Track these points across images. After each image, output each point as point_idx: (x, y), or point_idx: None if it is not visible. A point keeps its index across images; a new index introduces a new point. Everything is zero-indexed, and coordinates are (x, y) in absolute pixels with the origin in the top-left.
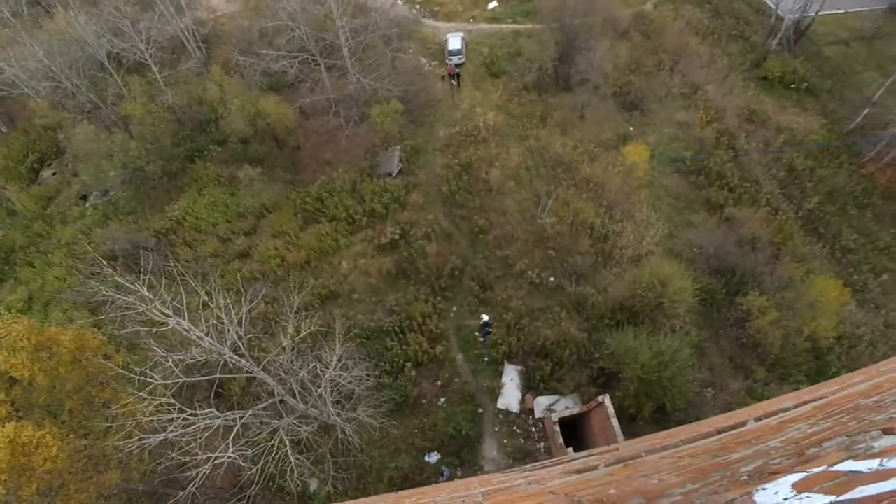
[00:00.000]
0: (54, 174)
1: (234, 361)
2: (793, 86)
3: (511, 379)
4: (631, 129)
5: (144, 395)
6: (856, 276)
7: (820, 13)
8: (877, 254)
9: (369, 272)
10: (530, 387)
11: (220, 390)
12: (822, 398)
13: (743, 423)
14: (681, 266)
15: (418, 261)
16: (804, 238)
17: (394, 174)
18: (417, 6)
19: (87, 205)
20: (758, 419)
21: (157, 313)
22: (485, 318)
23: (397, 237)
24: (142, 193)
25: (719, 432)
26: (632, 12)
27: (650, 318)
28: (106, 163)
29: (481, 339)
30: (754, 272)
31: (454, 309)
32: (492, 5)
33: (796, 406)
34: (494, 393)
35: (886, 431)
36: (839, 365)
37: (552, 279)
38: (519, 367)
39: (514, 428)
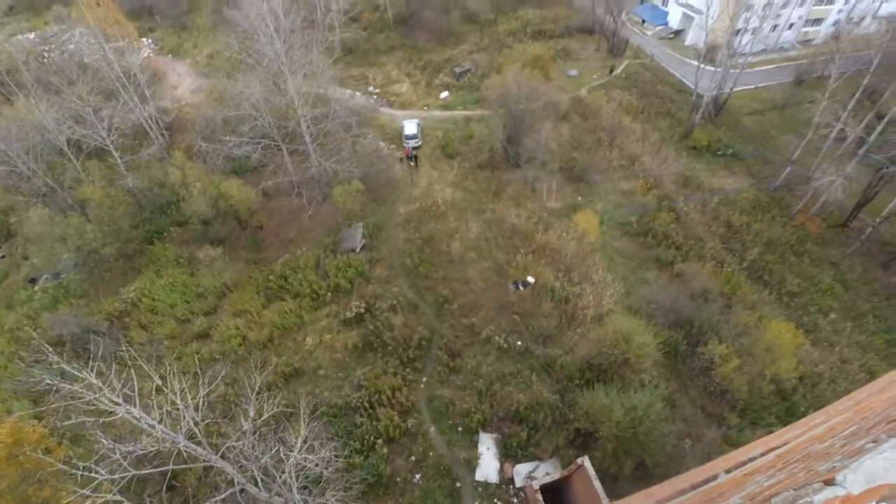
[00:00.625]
0: (3, 257)
1: (189, 450)
2: (719, 152)
3: (487, 448)
4: (579, 198)
5: (88, 493)
6: (805, 318)
7: (734, 90)
8: (821, 295)
9: (335, 347)
10: (508, 454)
11: (175, 482)
12: (785, 444)
13: (715, 477)
14: (641, 322)
15: (385, 333)
16: (752, 286)
17: (357, 250)
18: (375, 96)
19: (36, 288)
20: (728, 471)
21: (106, 401)
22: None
23: (363, 311)
24: (95, 276)
25: (693, 487)
26: (569, 97)
27: (619, 375)
28: (59, 245)
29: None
30: (711, 322)
31: (424, 380)
32: (443, 95)
33: (763, 454)
34: (472, 464)
35: (827, 483)
36: (806, 404)
37: (519, 343)
38: (495, 435)
39: (496, 500)
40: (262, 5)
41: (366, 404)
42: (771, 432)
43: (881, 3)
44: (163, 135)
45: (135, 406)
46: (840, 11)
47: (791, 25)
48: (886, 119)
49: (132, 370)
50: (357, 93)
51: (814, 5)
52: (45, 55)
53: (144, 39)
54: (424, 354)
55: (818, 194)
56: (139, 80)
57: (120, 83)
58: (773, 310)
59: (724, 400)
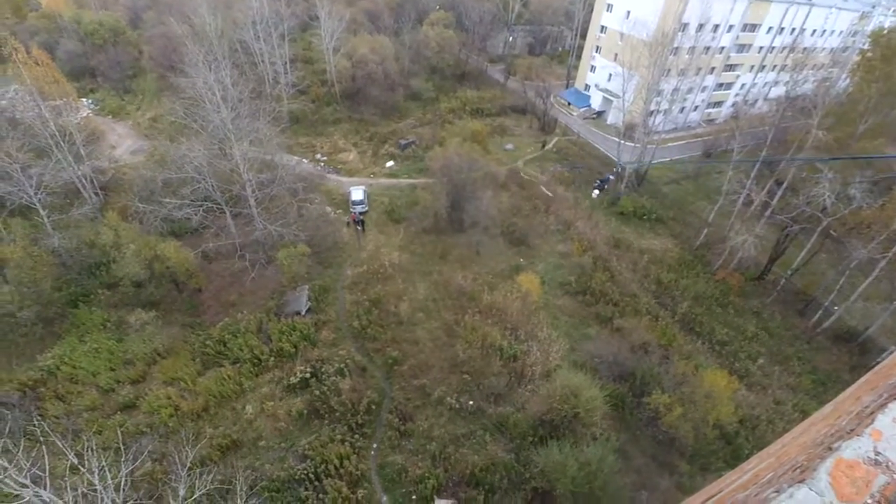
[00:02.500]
0: None
1: None
2: (644, 217)
3: None
4: (521, 260)
5: None
6: (737, 364)
7: (652, 162)
8: (748, 342)
9: (277, 415)
10: None
11: None
12: (720, 492)
13: None
14: (587, 376)
15: (332, 398)
16: (685, 338)
17: (302, 313)
18: (322, 164)
19: None
20: None
21: (11, 483)
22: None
23: (308, 375)
24: (9, 341)
25: None
26: (507, 169)
27: (570, 430)
28: None
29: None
30: (652, 373)
31: (374, 446)
32: (389, 164)
33: (704, 502)
34: None
35: None
36: (749, 446)
37: (471, 403)
38: (451, 502)
39: None
40: (209, 75)
41: (311, 476)
42: (720, 476)
43: (770, 87)
44: (97, 194)
45: (45, 488)
46: (737, 95)
47: (696, 107)
48: (784, 185)
49: (44, 447)
50: (304, 160)
51: (714, 90)
52: None
53: (84, 100)
54: (374, 419)
55: (734, 252)
56: (75, 139)
57: (54, 141)
58: (707, 358)
59: (674, 448)
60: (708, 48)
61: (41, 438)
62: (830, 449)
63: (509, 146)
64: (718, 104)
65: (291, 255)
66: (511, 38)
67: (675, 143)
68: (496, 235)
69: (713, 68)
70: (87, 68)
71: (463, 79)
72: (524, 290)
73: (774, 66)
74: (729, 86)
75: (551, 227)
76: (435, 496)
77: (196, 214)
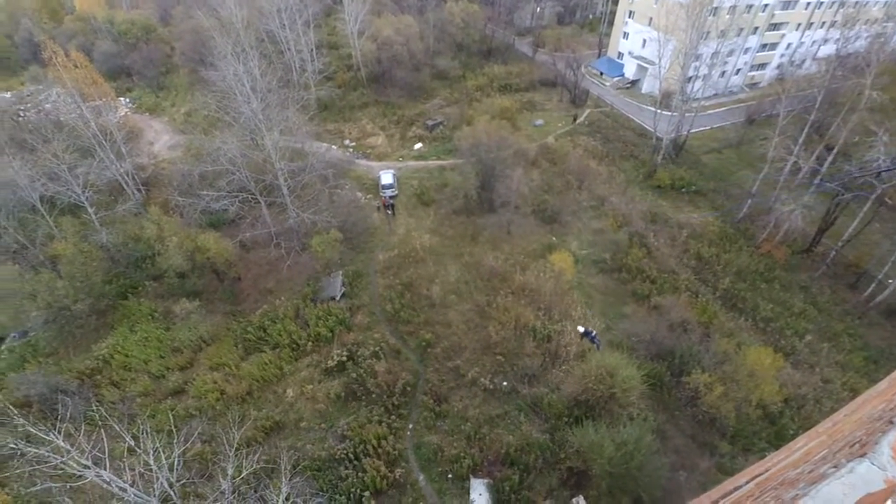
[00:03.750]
0: None
1: None
2: (682, 190)
3: (480, 494)
4: (553, 239)
5: None
6: (782, 342)
7: (691, 131)
8: (795, 318)
9: (317, 397)
10: (501, 500)
11: None
12: (766, 471)
13: None
14: (624, 356)
15: (368, 380)
16: (727, 315)
17: (337, 298)
18: (351, 149)
19: (2, 347)
20: (715, 503)
21: (74, 465)
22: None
23: (344, 359)
24: (66, 333)
25: None
26: (537, 145)
27: (606, 410)
28: (28, 302)
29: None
30: (692, 352)
31: (410, 426)
32: (417, 146)
33: (748, 482)
34: None
35: None
36: (794, 426)
37: (505, 384)
38: (486, 481)
39: None
40: (238, 66)
41: (350, 455)
42: (763, 457)
43: (819, 46)
44: (139, 190)
45: (105, 469)
46: (782, 56)
47: (738, 71)
48: (835, 150)
49: (103, 431)
50: (333, 146)
51: (758, 52)
52: (21, 114)
53: (122, 98)
54: (409, 400)
55: (780, 223)
56: (116, 137)
57: (96, 141)
58: (750, 336)
59: (714, 428)
60: (750, 6)
61: (100, 423)
62: (892, 423)
63: (539, 122)
64: (762, 66)
65: (324, 241)
66: (538, 9)
67: (715, 110)
68: (527, 214)
69: (756, 28)
70: (122, 67)
71: (490, 54)
72: (557, 269)
73: (823, 23)
74: (774, 46)
75: (584, 204)
76: (470, 475)
77: (232, 205)
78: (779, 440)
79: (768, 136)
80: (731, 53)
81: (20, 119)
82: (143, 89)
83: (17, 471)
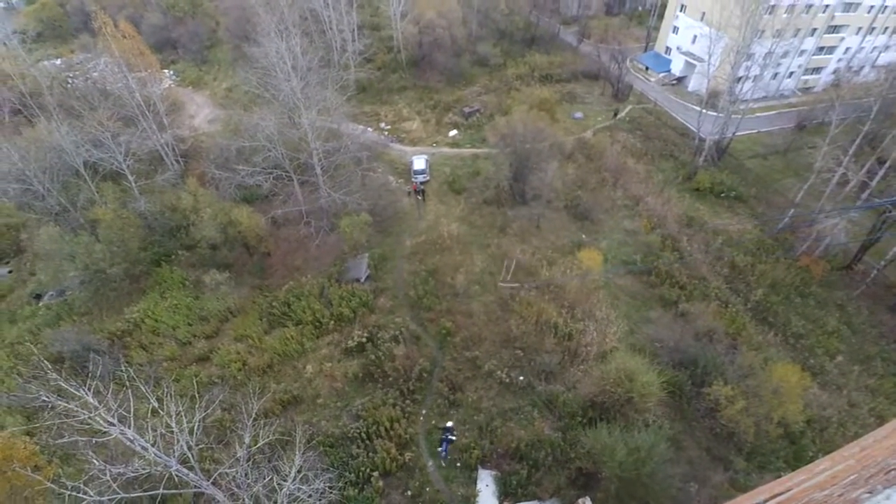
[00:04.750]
0: (10, 272)
1: (181, 475)
2: (722, 195)
3: (486, 485)
4: (583, 236)
5: None
6: (812, 360)
7: (736, 134)
8: (827, 337)
9: (335, 376)
10: (507, 493)
11: None
12: (788, 490)
13: None
14: (645, 361)
15: (386, 363)
16: (757, 327)
17: (362, 280)
18: (386, 133)
19: (41, 304)
20: None
21: (101, 421)
22: (450, 425)
23: (364, 340)
24: (100, 295)
25: None
26: (574, 139)
27: (622, 414)
28: (67, 263)
29: (441, 452)
30: (716, 363)
31: (423, 412)
32: (452, 133)
33: (766, 500)
34: (470, 502)
35: None
36: (814, 448)
37: (521, 378)
38: (494, 472)
39: None
40: (280, 44)
41: (363, 435)
42: (779, 477)
43: (879, 52)
44: (178, 161)
45: (129, 427)
46: (840, 60)
47: (791, 73)
48: (888, 164)
49: (129, 391)
50: (369, 129)
51: (813, 55)
52: (70, 81)
53: (166, 71)
54: (425, 386)
55: (821, 237)
56: (159, 108)
57: (140, 111)
58: (778, 351)
59: (731, 442)
60: (810, 6)
61: (127, 383)
62: None
63: (578, 115)
64: (817, 70)
65: (354, 223)
66: None
67: (763, 114)
68: (559, 209)
69: (814, 29)
70: (168, 40)
71: (532, 43)
72: (584, 267)
73: (886, 29)
74: (831, 50)
75: (618, 202)
76: (479, 466)
77: (266, 181)
78: (797, 461)
79: (817, 144)
80: (785, 55)
81: (69, 86)
82: (187, 63)
83: (47, 423)
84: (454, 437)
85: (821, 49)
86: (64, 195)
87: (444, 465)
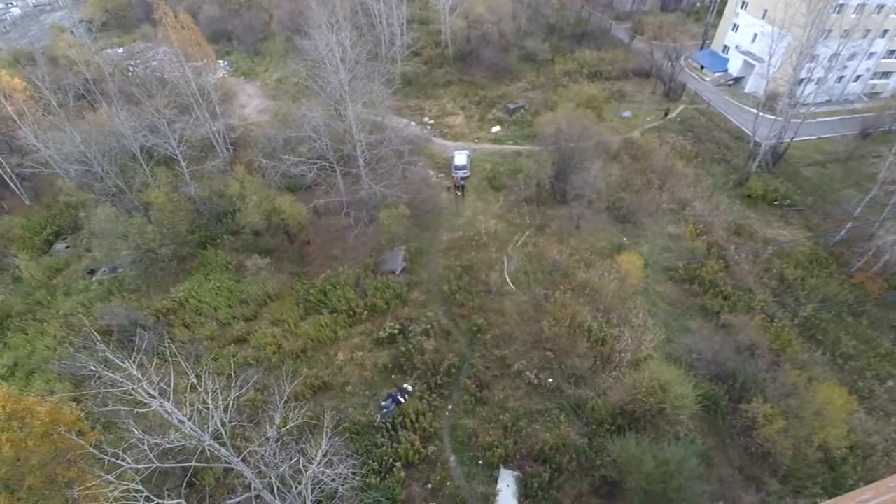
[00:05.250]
0: (67, 248)
1: (213, 449)
2: (775, 202)
3: (507, 485)
4: (625, 239)
5: (111, 479)
6: (860, 383)
7: (794, 139)
8: (879, 360)
9: (365, 365)
10: (528, 495)
11: (194, 479)
12: None
13: None
14: (681, 371)
15: (415, 356)
16: (803, 345)
17: (397, 272)
18: (429, 127)
19: (94, 279)
20: None
21: (143, 393)
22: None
23: (396, 332)
24: (149, 273)
25: None
26: (621, 138)
27: (652, 424)
28: (120, 242)
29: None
30: (756, 379)
31: (449, 407)
32: (495, 129)
33: None
34: (489, 500)
35: None
36: (855, 476)
37: (550, 381)
38: (515, 473)
39: None
40: (331, 37)
41: (388, 426)
42: (814, 503)
43: None
44: (227, 149)
45: (168, 401)
46: None
47: (858, 77)
48: None
49: (171, 366)
50: (412, 123)
51: (883, 58)
52: (130, 69)
53: (221, 61)
54: (452, 382)
55: (881, 253)
56: (212, 97)
57: (194, 99)
58: (824, 371)
59: (766, 463)
60: (881, 6)
61: (169, 358)
62: None
63: (626, 113)
64: (886, 75)
65: (392, 215)
66: None
67: (825, 119)
68: (600, 210)
69: (885, 31)
70: (223, 32)
71: (583, 38)
72: (623, 272)
73: None
74: None
75: (664, 206)
76: (501, 465)
77: (310, 171)
78: (835, 488)
79: (882, 153)
80: (852, 57)
81: (129, 73)
82: (240, 54)
83: (93, 391)
84: (403, 400)
85: (892, 52)
86: (121, 178)
87: (381, 422)
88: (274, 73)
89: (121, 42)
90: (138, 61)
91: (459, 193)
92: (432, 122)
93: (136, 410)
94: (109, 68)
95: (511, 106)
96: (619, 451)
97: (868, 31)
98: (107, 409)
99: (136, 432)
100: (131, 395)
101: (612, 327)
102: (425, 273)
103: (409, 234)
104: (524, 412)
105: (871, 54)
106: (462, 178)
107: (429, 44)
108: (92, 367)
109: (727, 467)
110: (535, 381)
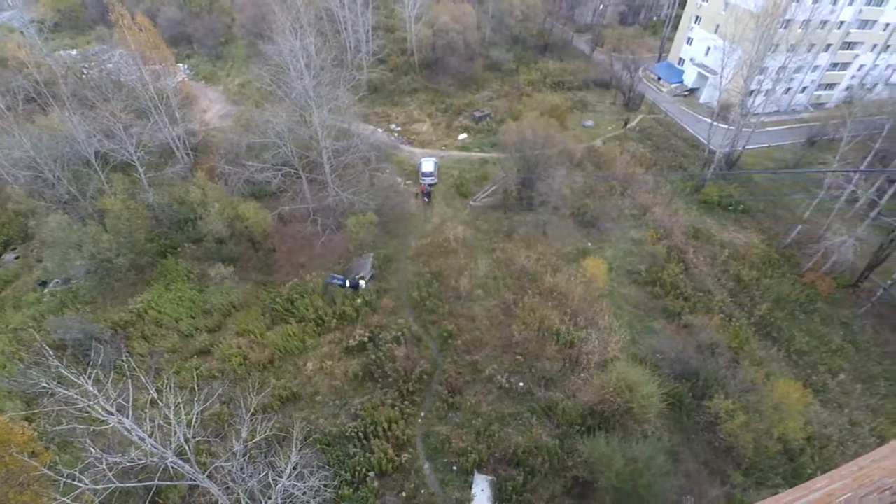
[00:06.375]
0: (17, 258)
1: (176, 466)
2: (730, 207)
3: (482, 490)
4: (589, 244)
5: (68, 502)
6: (814, 377)
7: (746, 147)
8: (830, 355)
9: (335, 374)
10: (502, 498)
11: (158, 499)
12: None
13: None
14: (646, 371)
15: (386, 364)
16: (760, 342)
17: (366, 279)
18: (396, 134)
19: (46, 291)
20: None
21: (99, 409)
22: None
23: (366, 340)
24: (105, 284)
25: None
26: (584, 146)
27: (621, 424)
28: (73, 252)
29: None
30: (717, 376)
31: (422, 414)
32: (462, 136)
33: None
34: None
35: None
36: (814, 466)
37: (521, 384)
38: (489, 477)
39: None
40: (295, 42)
41: (360, 435)
42: (776, 493)
43: (894, 71)
44: (188, 155)
45: (127, 417)
46: (853, 77)
47: (804, 89)
48: None
49: (130, 380)
50: (379, 129)
51: (827, 70)
52: (85, 71)
53: (181, 65)
54: (424, 388)
55: (829, 254)
56: (171, 102)
57: (153, 104)
58: (780, 367)
59: (729, 457)
60: (825, 22)
61: (127, 373)
62: None
63: (589, 122)
64: (830, 87)
65: (360, 222)
66: (601, 6)
67: (775, 128)
68: (565, 216)
69: (828, 45)
70: (183, 35)
71: (546, 49)
72: (589, 276)
73: None
74: (845, 66)
75: (626, 212)
76: (475, 470)
77: (275, 178)
78: (795, 478)
79: (828, 160)
80: (798, 70)
81: (83, 76)
82: (201, 58)
83: (46, 409)
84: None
85: (835, 65)
86: (74, 184)
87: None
88: (236, 77)
89: (74, 44)
90: (93, 64)
91: (427, 200)
92: (399, 129)
93: (92, 428)
94: (62, 70)
95: (477, 114)
96: (590, 451)
97: (813, 45)
98: (61, 427)
99: (94, 451)
100: (87, 412)
101: (580, 330)
102: (394, 280)
103: (377, 241)
104: (496, 416)
105: (816, 67)
106: (430, 185)
107: (395, 51)
108: (44, 384)
109: (693, 462)
110: (507, 385)
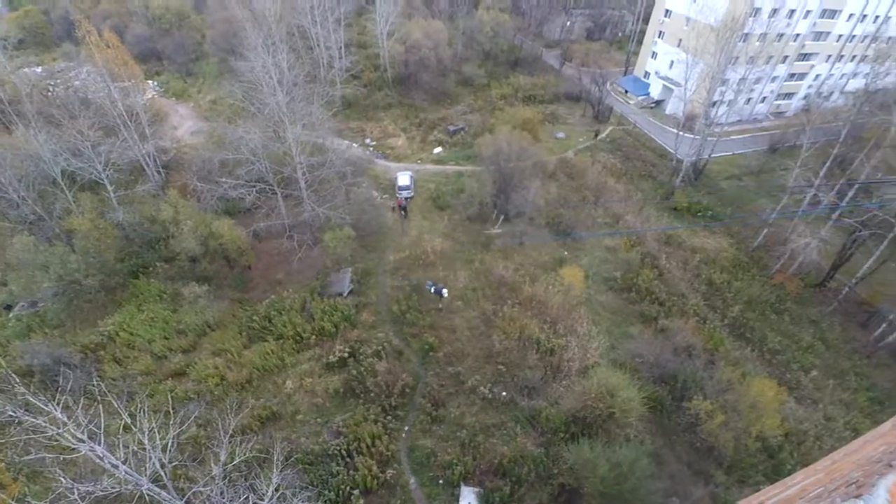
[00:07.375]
0: None
1: (152, 493)
2: (699, 214)
3: (469, 503)
4: (565, 253)
5: None
6: (788, 375)
7: (712, 156)
8: (802, 353)
9: (315, 391)
10: None
11: None
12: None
13: None
14: (626, 376)
15: (368, 379)
16: (734, 343)
17: (345, 294)
18: (371, 149)
19: (11, 315)
20: None
21: (69, 437)
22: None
23: (346, 355)
24: (74, 307)
25: None
26: (557, 158)
27: (604, 429)
28: (40, 274)
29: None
30: (695, 378)
31: (406, 428)
32: (437, 150)
33: None
34: None
35: None
36: (793, 462)
37: (504, 394)
38: (476, 489)
39: None
40: (267, 59)
41: (344, 452)
42: (758, 490)
43: (848, 79)
44: (159, 172)
45: (99, 444)
46: (810, 86)
47: (764, 99)
48: (857, 186)
49: (101, 406)
50: (354, 144)
51: (785, 81)
52: (50, 89)
53: (150, 82)
54: (407, 402)
55: (795, 255)
56: (141, 119)
57: (121, 121)
58: (755, 367)
59: (711, 457)
60: (781, 35)
61: (99, 398)
62: (891, 466)
63: (560, 135)
64: (789, 96)
65: (337, 237)
66: (569, 23)
67: (738, 137)
68: (541, 226)
69: (786, 57)
70: (153, 51)
71: (516, 64)
72: (566, 284)
73: (854, 57)
74: (802, 76)
75: (599, 220)
76: (461, 483)
77: (249, 194)
78: (776, 474)
79: (789, 166)
80: (758, 80)
81: (49, 94)
82: (171, 74)
83: (13, 438)
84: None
85: (792, 76)
86: (40, 204)
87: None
88: (208, 94)
89: (40, 61)
90: (59, 81)
91: (404, 214)
92: (374, 143)
93: (63, 457)
94: (26, 88)
95: (451, 128)
96: (575, 458)
97: (771, 57)
98: (30, 457)
99: (65, 481)
100: (57, 440)
101: (560, 338)
102: (374, 294)
103: (355, 255)
104: (481, 427)
105: (775, 78)
106: (406, 199)
107: (368, 67)
108: (11, 413)
109: (676, 464)
110: (490, 396)
